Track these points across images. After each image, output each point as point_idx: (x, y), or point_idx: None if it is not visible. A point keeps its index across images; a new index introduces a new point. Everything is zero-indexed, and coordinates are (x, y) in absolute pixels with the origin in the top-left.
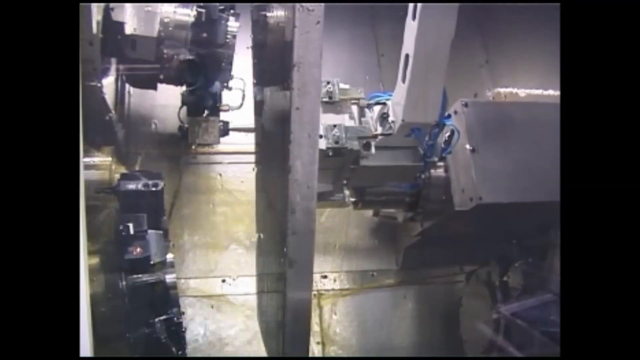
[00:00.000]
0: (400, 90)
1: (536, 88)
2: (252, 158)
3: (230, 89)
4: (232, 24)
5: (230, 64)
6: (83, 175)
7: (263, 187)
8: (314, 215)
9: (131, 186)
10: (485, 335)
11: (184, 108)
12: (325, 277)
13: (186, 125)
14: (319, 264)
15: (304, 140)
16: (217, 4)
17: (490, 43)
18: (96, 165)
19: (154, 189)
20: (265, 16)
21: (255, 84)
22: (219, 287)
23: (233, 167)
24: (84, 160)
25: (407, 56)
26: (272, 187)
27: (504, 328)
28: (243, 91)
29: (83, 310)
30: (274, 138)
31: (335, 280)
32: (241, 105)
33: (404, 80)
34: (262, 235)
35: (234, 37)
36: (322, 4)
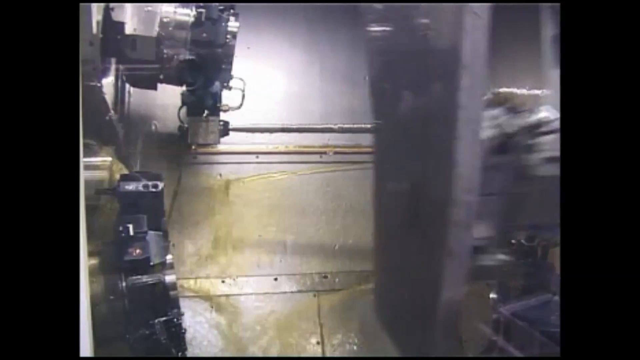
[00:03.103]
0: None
1: (536, 88)
2: (252, 158)
3: (230, 88)
4: (232, 24)
5: (231, 63)
6: (83, 175)
7: (386, 180)
8: (474, 208)
9: (131, 187)
10: (485, 335)
11: (184, 108)
12: (325, 277)
13: (186, 125)
14: (319, 264)
15: (469, 136)
16: (217, 4)
17: (490, 42)
18: (96, 165)
19: (153, 189)
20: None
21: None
22: (219, 288)
23: (233, 167)
24: (84, 160)
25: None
26: (410, 180)
27: (504, 328)
28: (243, 91)
29: (83, 311)
30: (409, 139)
31: (335, 280)
32: (241, 105)
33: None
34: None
35: (234, 37)
36: (489, 9)
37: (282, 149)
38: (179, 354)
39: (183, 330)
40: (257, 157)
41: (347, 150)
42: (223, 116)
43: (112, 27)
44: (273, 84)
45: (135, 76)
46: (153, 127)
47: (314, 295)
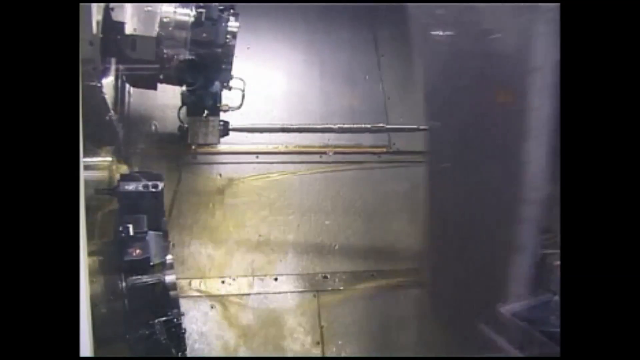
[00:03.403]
0: None
1: None
2: (252, 158)
3: (230, 88)
4: (232, 24)
5: (230, 63)
6: (83, 175)
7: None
8: (541, 205)
9: (131, 187)
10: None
11: (184, 108)
12: (325, 277)
13: (186, 125)
14: (319, 264)
15: (541, 137)
16: (217, 4)
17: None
18: (96, 165)
19: (153, 190)
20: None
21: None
22: (219, 287)
23: (233, 167)
24: (84, 160)
25: None
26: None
27: (504, 328)
28: (243, 91)
29: (83, 311)
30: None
31: (335, 281)
32: (241, 105)
33: None
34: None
35: (234, 37)
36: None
37: (282, 149)
38: (179, 354)
39: (183, 331)
40: (257, 157)
41: (347, 150)
42: (223, 116)
43: (112, 27)
44: (273, 84)
45: (135, 76)
46: (153, 127)
47: (314, 296)
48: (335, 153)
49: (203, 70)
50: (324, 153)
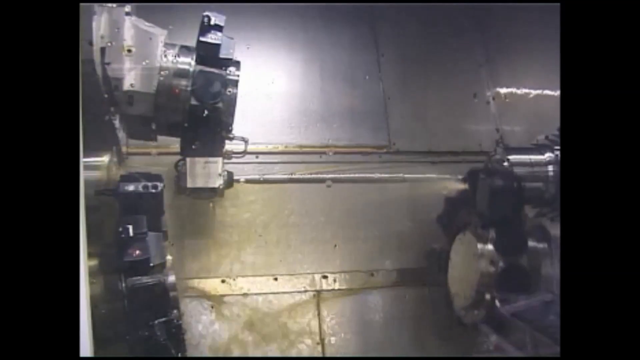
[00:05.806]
0: None
1: (536, 88)
2: (252, 158)
3: (232, 138)
4: (233, 73)
5: (232, 115)
6: (83, 175)
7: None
8: None
9: (131, 188)
10: (473, 288)
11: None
12: (325, 277)
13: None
14: (319, 264)
15: None
16: (218, 58)
17: (490, 42)
18: (96, 166)
19: (153, 190)
20: None
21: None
22: (219, 287)
23: (233, 167)
24: (84, 160)
25: None
26: None
27: (502, 323)
28: (245, 142)
29: (83, 311)
30: None
31: (335, 281)
32: (244, 152)
33: None
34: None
35: (236, 86)
36: None
37: (282, 149)
38: (179, 355)
39: (183, 331)
40: (257, 157)
41: (347, 150)
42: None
43: (109, 83)
44: (273, 84)
45: (133, 129)
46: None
47: (314, 295)
48: (335, 153)
49: (204, 123)
50: (324, 153)
